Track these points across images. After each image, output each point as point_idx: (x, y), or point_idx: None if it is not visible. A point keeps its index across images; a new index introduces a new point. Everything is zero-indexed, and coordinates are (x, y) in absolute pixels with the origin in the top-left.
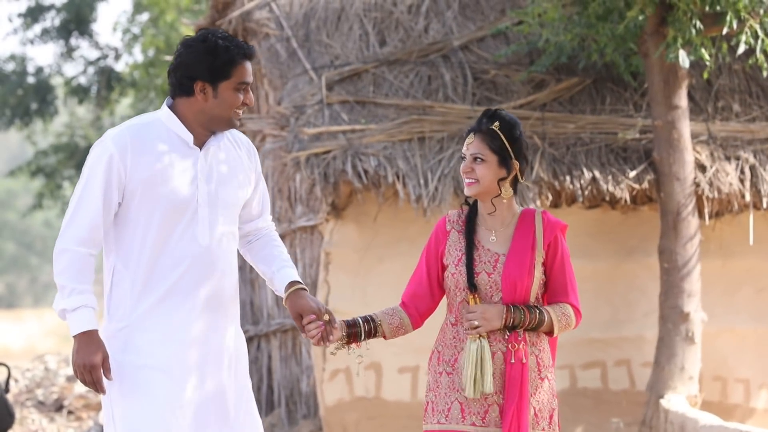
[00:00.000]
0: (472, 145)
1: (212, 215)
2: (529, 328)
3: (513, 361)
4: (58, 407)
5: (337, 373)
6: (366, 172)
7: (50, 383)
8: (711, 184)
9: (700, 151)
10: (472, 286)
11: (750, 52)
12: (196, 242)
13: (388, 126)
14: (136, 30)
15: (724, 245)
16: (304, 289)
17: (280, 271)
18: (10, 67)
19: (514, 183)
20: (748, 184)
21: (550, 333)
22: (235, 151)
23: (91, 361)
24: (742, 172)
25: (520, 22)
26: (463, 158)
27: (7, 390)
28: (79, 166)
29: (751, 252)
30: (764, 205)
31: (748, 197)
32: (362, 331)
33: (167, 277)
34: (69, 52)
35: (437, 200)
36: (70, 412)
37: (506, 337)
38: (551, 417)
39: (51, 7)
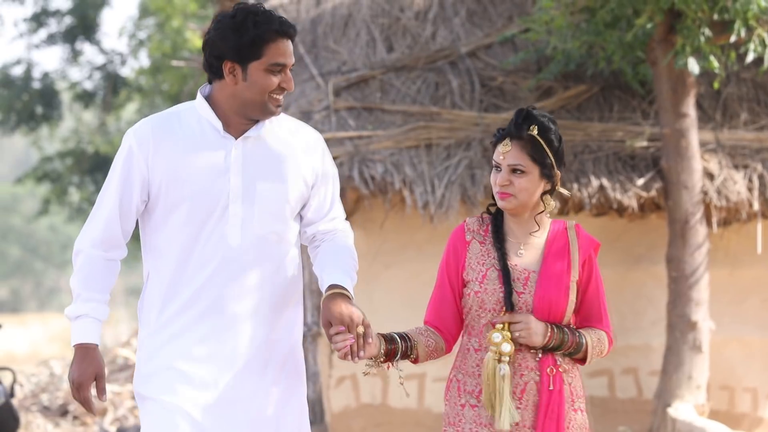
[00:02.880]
0: (509, 155)
1: (247, 212)
2: (567, 352)
3: (552, 387)
4: (63, 412)
5: (343, 379)
6: (373, 178)
7: (55, 388)
8: (719, 193)
9: (709, 160)
10: (510, 305)
11: (758, 60)
12: (225, 242)
13: (395, 132)
14: (142, 35)
15: (732, 254)
16: (343, 294)
17: (327, 275)
18: (16, 71)
19: (551, 193)
20: (756, 192)
21: (582, 360)
22: (286, 143)
23: (79, 379)
24: (751, 180)
25: (528, 30)
26: (496, 168)
27: (12, 395)
28: (85, 172)
29: (759, 261)
30: None
31: (756, 206)
32: (399, 348)
33: (192, 282)
34: (75, 57)
35: (444, 207)
36: (75, 417)
37: (538, 360)
38: None
39: (57, 11)
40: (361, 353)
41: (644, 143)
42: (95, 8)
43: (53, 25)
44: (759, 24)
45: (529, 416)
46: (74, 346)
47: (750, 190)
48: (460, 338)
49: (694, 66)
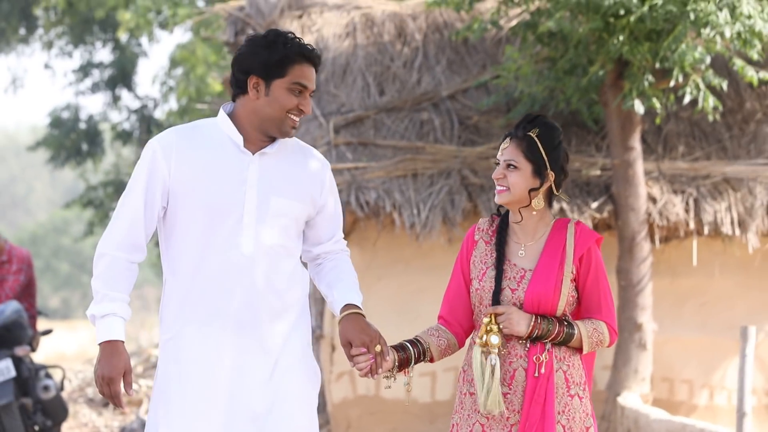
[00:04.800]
0: (506, 151)
1: (260, 224)
2: (556, 341)
3: (537, 374)
4: (106, 403)
5: (342, 375)
6: (367, 203)
7: None
8: (661, 214)
9: (652, 186)
10: (496, 301)
11: (694, 101)
12: (238, 251)
13: (387, 164)
14: (171, 82)
15: (672, 266)
16: (359, 314)
17: (339, 293)
18: (65, 114)
19: (549, 195)
20: (692, 214)
21: (580, 349)
22: (299, 164)
23: (110, 374)
24: (687, 204)
25: (499, 76)
26: (497, 164)
27: (62, 388)
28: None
29: (694, 272)
30: (706, 232)
31: (692, 225)
32: (412, 355)
33: (205, 287)
34: (115, 102)
35: (428, 227)
36: (115, 408)
37: (526, 349)
38: None
39: (100, 63)
40: (380, 370)
41: (598, 172)
42: (132, 60)
43: (97, 75)
44: (694, 71)
45: (517, 400)
46: (101, 343)
47: (687, 211)
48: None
49: (639, 107)
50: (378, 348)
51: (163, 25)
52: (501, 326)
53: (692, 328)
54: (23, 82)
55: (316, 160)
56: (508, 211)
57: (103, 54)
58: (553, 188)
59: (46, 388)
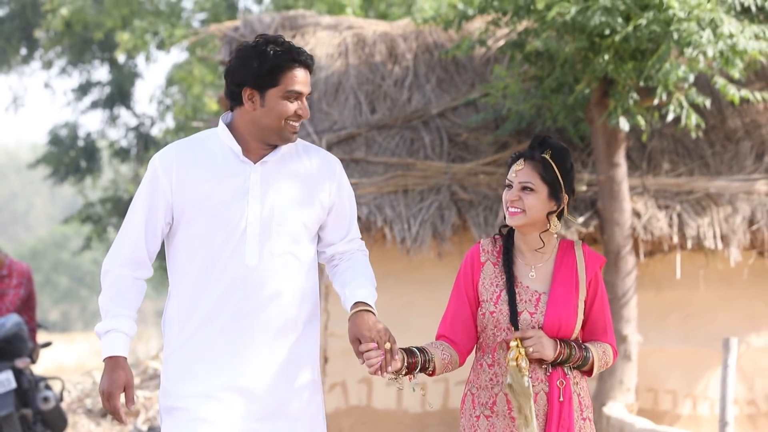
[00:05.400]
0: (521, 173)
1: (264, 234)
2: (574, 365)
3: (562, 399)
4: (104, 414)
5: (335, 386)
6: (359, 218)
7: (97, 394)
8: (645, 229)
9: (636, 201)
10: (515, 325)
11: (677, 119)
12: (242, 262)
13: (378, 180)
14: (168, 101)
15: (656, 279)
16: (369, 311)
17: (351, 291)
18: (64, 132)
19: (559, 216)
20: (675, 228)
21: (588, 372)
22: (304, 168)
23: (110, 389)
24: (671, 219)
25: (487, 94)
26: (509, 186)
27: (61, 399)
28: (121, 215)
29: (678, 285)
30: (689, 246)
31: (675, 239)
32: (419, 361)
33: (209, 300)
34: (113, 120)
35: (418, 242)
36: (113, 418)
37: (547, 374)
38: None
39: (98, 83)
40: (389, 368)
41: (584, 188)
42: (130, 80)
43: (95, 94)
44: (677, 89)
45: (539, 425)
46: (104, 359)
47: (671, 226)
48: (473, 353)
49: (624, 124)
50: (387, 345)
51: (160, 46)
52: (531, 350)
53: (676, 339)
54: (24, 101)
55: (322, 160)
56: (510, 232)
57: (102, 73)
58: (565, 210)
59: (45, 399)
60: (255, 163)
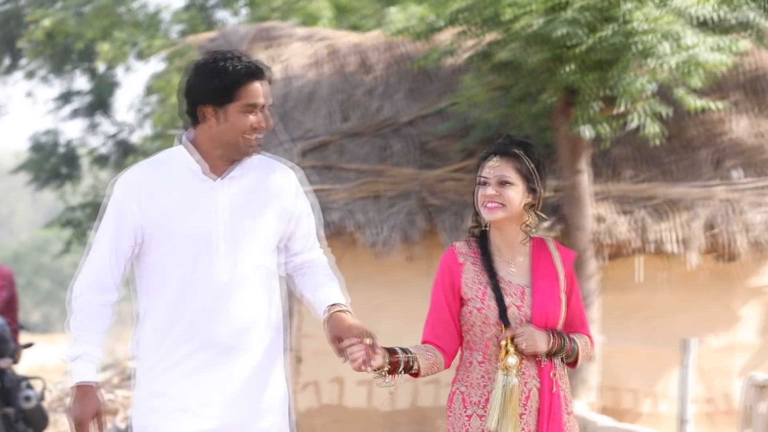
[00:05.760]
0: (498, 168)
1: (234, 249)
2: (566, 357)
3: (555, 389)
4: None
5: (307, 385)
6: (332, 222)
7: None
8: (608, 233)
9: (599, 207)
10: (505, 320)
11: (639, 127)
12: (216, 278)
13: (350, 186)
14: (147, 110)
15: (618, 282)
16: (346, 311)
17: (324, 295)
18: (46, 139)
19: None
20: (637, 233)
21: (573, 364)
22: (266, 181)
23: (81, 417)
24: (633, 223)
25: (456, 103)
26: (482, 183)
27: (42, 398)
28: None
29: (639, 288)
30: (650, 250)
31: (637, 243)
32: (402, 360)
33: (185, 318)
34: (93, 128)
35: (389, 246)
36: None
37: (543, 366)
38: None
39: (79, 92)
40: (373, 362)
41: (549, 193)
42: (109, 89)
43: (76, 102)
44: (639, 99)
45: (533, 420)
46: (74, 386)
47: (632, 231)
48: (459, 353)
49: (587, 132)
50: (368, 340)
51: (139, 56)
52: (524, 345)
53: (637, 340)
54: (7, 109)
55: (281, 172)
56: (484, 232)
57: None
58: (540, 202)
59: (27, 398)
60: (220, 179)
